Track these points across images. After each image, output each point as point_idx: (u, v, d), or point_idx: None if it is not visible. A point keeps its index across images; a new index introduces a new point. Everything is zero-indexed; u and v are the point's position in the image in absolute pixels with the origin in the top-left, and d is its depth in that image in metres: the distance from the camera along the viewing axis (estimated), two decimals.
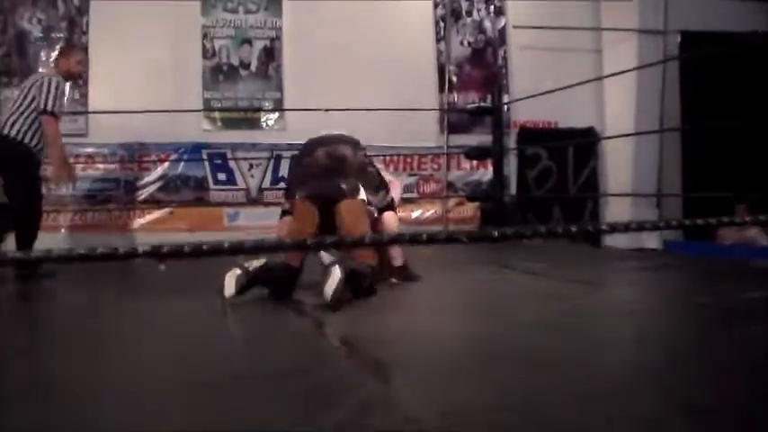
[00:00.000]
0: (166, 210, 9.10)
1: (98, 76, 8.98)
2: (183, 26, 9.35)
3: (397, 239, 1.77)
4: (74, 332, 3.34)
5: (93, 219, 8.90)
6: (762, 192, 7.87)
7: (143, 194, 9.12)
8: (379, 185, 4.88)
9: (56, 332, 3.46)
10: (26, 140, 5.92)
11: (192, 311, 3.87)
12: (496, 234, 2.02)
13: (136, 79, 8.93)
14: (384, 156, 9.55)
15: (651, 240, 9.21)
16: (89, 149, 8.92)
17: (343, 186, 4.49)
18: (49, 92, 5.91)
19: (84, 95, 9.00)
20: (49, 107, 5.89)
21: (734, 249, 8.01)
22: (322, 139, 4.94)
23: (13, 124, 5.91)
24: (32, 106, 5.91)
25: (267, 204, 9.13)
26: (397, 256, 4.89)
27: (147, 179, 9.14)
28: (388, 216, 4.91)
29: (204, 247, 1.70)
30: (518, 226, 8.96)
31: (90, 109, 8.94)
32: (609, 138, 10.12)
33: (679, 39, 10.01)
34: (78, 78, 6.62)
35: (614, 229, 2.44)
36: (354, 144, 4.95)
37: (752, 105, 8.95)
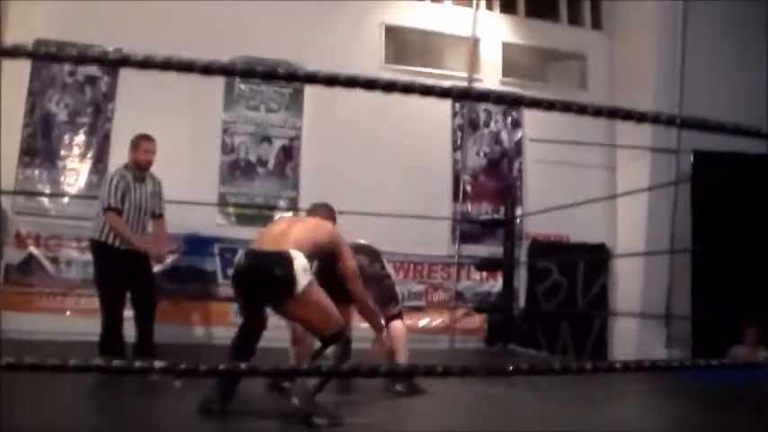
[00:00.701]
0: (172, 302, 9.02)
1: (118, 164, 9.04)
2: (204, 120, 9.48)
3: (414, 371, 1.73)
4: None
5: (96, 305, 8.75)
6: None
7: None
8: (392, 297, 4.98)
9: None
10: (102, 238, 6.50)
11: None
12: (511, 368, 2.00)
13: (154, 168, 8.99)
14: (394, 262, 9.54)
15: (658, 354, 9.15)
16: None
17: None
18: (104, 190, 6.51)
19: None
20: (106, 204, 6.41)
21: (744, 372, 7.87)
22: None
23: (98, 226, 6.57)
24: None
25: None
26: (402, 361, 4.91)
27: (155, 268, 9.08)
28: (396, 326, 4.97)
29: (221, 368, 1.67)
30: (528, 348, 8.91)
31: None
32: (620, 256, 10.12)
33: (692, 158, 10.08)
34: (148, 167, 6.78)
35: (627, 368, 2.40)
36: (373, 255, 5.08)
37: (763, 227, 8.96)
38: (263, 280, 4.24)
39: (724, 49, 10.73)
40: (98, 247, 6.57)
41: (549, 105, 2.03)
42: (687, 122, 2.38)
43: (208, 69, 1.76)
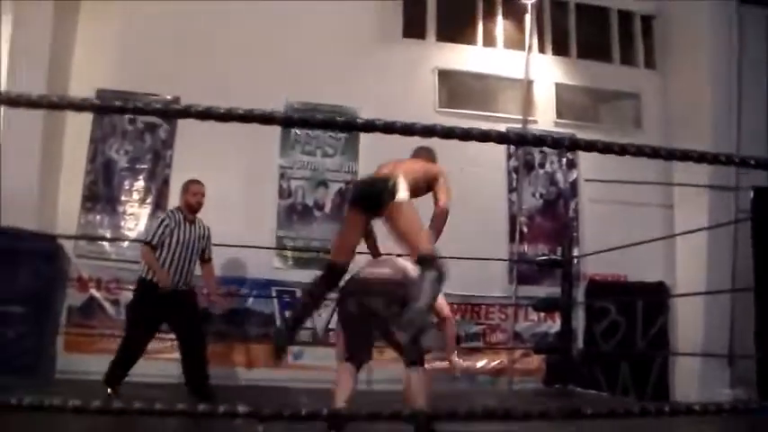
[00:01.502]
0: (231, 344, 9.11)
1: None
2: (261, 165, 9.64)
3: (505, 414, 1.73)
4: None
5: (157, 346, 8.75)
6: None
7: (210, 327, 9.09)
8: None
9: None
10: (146, 276, 6.91)
11: None
12: (590, 412, 2.02)
13: (212, 213, 9.13)
14: (452, 303, 9.55)
15: (722, 395, 8.99)
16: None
17: None
18: (153, 227, 7.01)
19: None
20: (146, 238, 6.93)
21: None
22: None
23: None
24: None
25: (334, 345, 9.13)
26: None
27: (215, 312, 9.19)
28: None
29: (303, 413, 1.72)
30: (587, 389, 8.83)
31: None
32: (680, 295, 10.00)
33: (751, 195, 9.96)
34: (198, 209, 7.09)
35: (706, 410, 2.39)
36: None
37: None
38: (376, 190, 5.16)
39: None
40: (140, 283, 6.97)
41: (606, 148, 2.06)
42: (746, 161, 2.40)
43: (267, 119, 1.83)
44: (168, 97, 9.27)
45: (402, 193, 5.07)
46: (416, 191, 5.40)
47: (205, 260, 7.28)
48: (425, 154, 6.11)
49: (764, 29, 10.78)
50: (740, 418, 6.36)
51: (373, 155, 9.64)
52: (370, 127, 1.90)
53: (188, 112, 1.79)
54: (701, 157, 2.13)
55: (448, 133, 1.86)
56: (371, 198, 5.17)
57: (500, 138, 1.94)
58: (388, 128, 1.86)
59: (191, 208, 7.10)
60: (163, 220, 6.93)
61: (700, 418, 6.43)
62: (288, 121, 1.93)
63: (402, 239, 5.08)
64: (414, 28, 10.62)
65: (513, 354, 9.84)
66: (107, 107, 1.85)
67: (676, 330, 10.38)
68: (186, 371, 6.86)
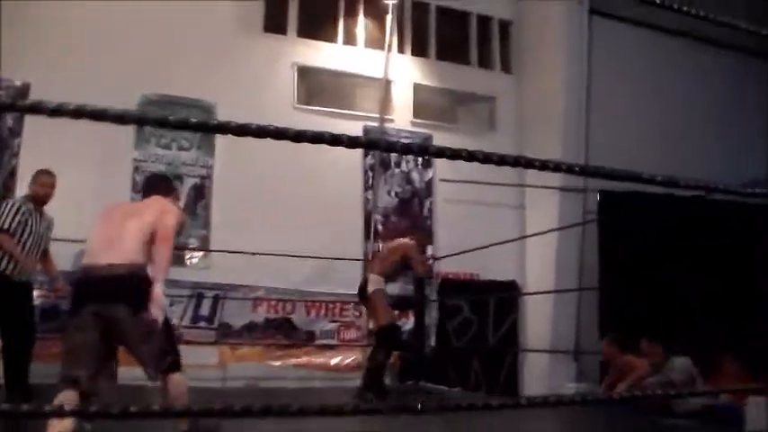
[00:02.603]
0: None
1: None
2: (114, 157, 9.33)
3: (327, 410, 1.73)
4: None
5: None
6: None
7: (59, 324, 8.78)
8: None
9: None
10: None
11: None
12: (420, 407, 2.05)
13: (62, 206, 8.81)
14: (306, 301, 9.57)
15: (567, 388, 9.32)
16: None
17: None
18: (2, 213, 6.38)
19: None
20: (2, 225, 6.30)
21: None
22: None
23: None
24: None
25: (187, 343, 9.00)
26: None
27: (63, 307, 8.84)
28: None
29: (132, 410, 1.68)
30: (439, 385, 8.98)
31: None
32: (529, 294, 10.32)
33: (598, 197, 10.38)
34: (46, 201, 6.72)
35: (532, 403, 2.48)
36: None
37: (666, 264, 9.27)
38: None
39: (628, 92, 11.16)
40: None
41: (454, 155, 2.10)
42: (587, 171, 2.49)
43: (121, 119, 1.78)
44: (17, 83, 8.87)
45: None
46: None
47: (46, 251, 6.92)
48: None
49: (615, 39, 11.24)
50: (584, 411, 6.61)
51: (230, 150, 9.58)
52: (223, 129, 1.87)
53: (40, 109, 1.71)
54: (544, 166, 2.19)
55: (299, 137, 1.85)
56: None
57: (351, 143, 1.94)
58: (241, 130, 1.84)
59: (38, 200, 6.73)
60: (18, 207, 6.44)
61: (544, 411, 6.68)
62: (142, 121, 1.88)
63: None
64: (275, 23, 10.54)
65: (367, 351, 9.90)
66: None
67: (526, 327, 10.72)
68: (10, 367, 6.33)
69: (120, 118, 1.75)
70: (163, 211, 4.42)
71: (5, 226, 6.30)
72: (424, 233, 10.17)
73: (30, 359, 6.40)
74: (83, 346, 4.04)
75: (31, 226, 6.46)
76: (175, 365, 4.30)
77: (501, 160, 2.13)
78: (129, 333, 4.10)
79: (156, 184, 5.15)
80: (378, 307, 7.45)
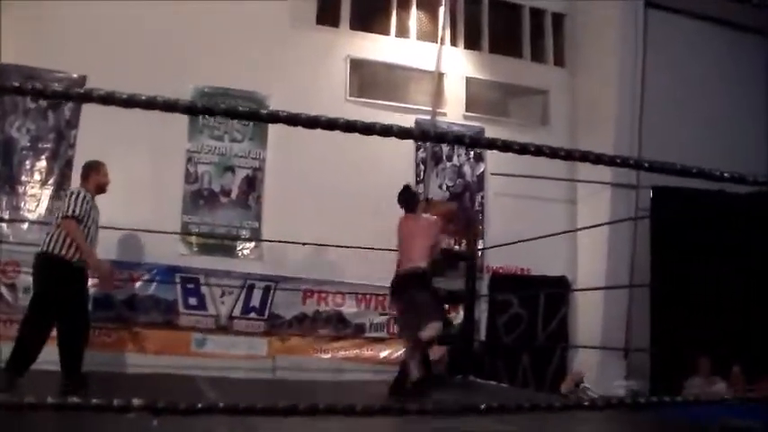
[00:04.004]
0: (133, 330, 8.91)
1: None
2: (168, 148, 9.43)
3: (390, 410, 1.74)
4: None
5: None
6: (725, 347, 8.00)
7: (112, 312, 8.89)
8: None
9: None
10: (57, 251, 6.19)
11: None
12: (483, 407, 2.05)
13: (117, 196, 8.92)
14: (356, 293, 9.59)
15: (617, 389, 9.24)
16: None
17: None
18: (70, 201, 6.24)
19: None
20: (69, 212, 6.16)
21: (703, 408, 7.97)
22: None
23: (49, 239, 6.25)
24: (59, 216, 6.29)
25: (238, 333, 9.09)
26: None
27: (117, 297, 8.98)
28: None
29: (199, 406, 1.69)
30: (488, 380, 8.95)
31: None
32: (580, 290, 10.24)
33: (651, 193, 10.25)
34: (105, 191, 6.72)
35: (594, 405, 2.46)
36: None
37: (718, 261, 9.13)
38: None
39: (682, 87, 10.99)
40: (47, 260, 6.26)
41: (506, 146, 2.08)
42: (642, 164, 2.45)
43: (170, 107, 1.79)
44: (74, 76, 9.00)
45: None
46: None
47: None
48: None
49: (669, 32, 11.08)
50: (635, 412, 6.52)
51: (281, 142, 9.62)
52: (274, 118, 1.88)
53: (89, 97, 1.73)
54: (598, 159, 2.16)
55: (350, 127, 1.85)
56: None
57: (402, 133, 1.94)
58: (291, 120, 1.85)
59: (101, 190, 6.76)
60: (84, 197, 6.32)
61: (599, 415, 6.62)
62: (191, 110, 1.89)
63: None
64: (327, 15, 10.57)
65: None
66: (5, 88, 1.76)
67: (576, 323, 10.63)
68: (66, 353, 6.24)
69: (170, 106, 1.76)
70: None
71: (76, 213, 6.22)
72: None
73: (85, 346, 6.43)
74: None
75: (94, 216, 6.50)
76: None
77: (553, 153, 2.11)
78: None
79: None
80: None
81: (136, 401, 1.69)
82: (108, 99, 1.72)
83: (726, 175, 2.30)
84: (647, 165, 2.41)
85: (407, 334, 6.86)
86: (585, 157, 2.20)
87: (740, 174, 2.32)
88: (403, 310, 7.01)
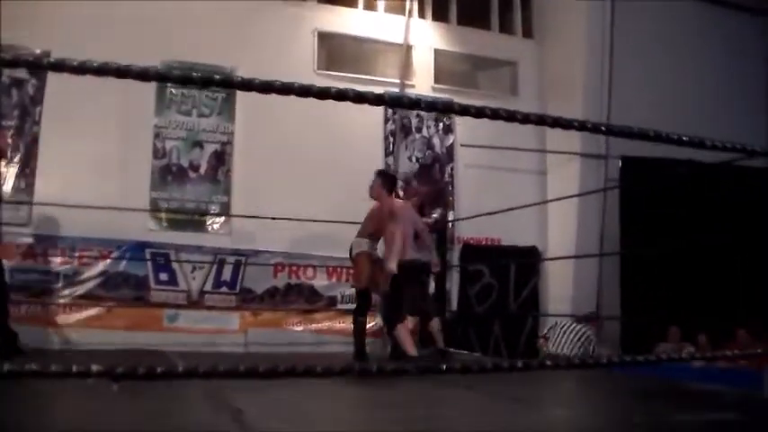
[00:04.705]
0: (104, 307, 8.88)
1: (46, 168, 8.90)
2: (135, 124, 9.35)
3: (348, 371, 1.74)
4: None
5: (27, 311, 8.51)
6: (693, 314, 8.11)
7: (81, 290, 8.91)
8: None
9: None
10: None
11: None
12: (444, 367, 2.06)
13: (84, 173, 8.88)
14: (326, 266, 9.59)
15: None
16: (29, 240, 8.74)
17: None
18: None
19: (31, 185, 8.86)
20: None
21: (669, 370, 8.09)
22: None
23: None
24: None
25: (209, 308, 9.07)
26: None
27: (87, 274, 8.95)
28: None
29: (159, 370, 1.69)
30: (460, 350, 9.00)
31: (35, 199, 8.76)
32: (550, 259, 10.31)
33: (620, 164, 10.32)
34: (6, 155, 6.64)
35: (557, 366, 2.49)
36: None
37: (686, 229, 9.24)
38: None
39: (651, 55, 11.04)
40: None
41: (478, 112, 2.08)
42: (613, 130, 2.47)
43: (144, 75, 1.77)
44: (37, 51, 8.87)
45: None
46: None
47: None
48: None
49: (637, 2, 11.10)
50: (603, 373, 6.61)
51: (249, 116, 9.58)
52: (248, 85, 1.87)
53: (63, 66, 1.71)
54: (569, 124, 2.18)
55: (324, 94, 1.85)
56: None
57: (376, 99, 1.94)
58: (266, 87, 1.84)
59: (2, 154, 6.75)
60: None
61: (569, 375, 6.69)
62: (165, 78, 1.87)
63: None
64: None
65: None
66: None
67: (547, 293, 10.72)
68: None
69: (143, 75, 1.75)
70: None
71: None
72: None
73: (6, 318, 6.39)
74: None
75: None
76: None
77: (525, 118, 2.12)
78: None
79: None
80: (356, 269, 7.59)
81: (95, 367, 1.68)
82: (81, 68, 1.70)
83: (686, 138, 2.32)
84: (615, 130, 2.43)
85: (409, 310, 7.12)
86: (557, 122, 2.21)
87: (706, 139, 2.35)
88: (412, 294, 7.14)
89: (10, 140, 6.68)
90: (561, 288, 10.39)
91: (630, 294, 10.06)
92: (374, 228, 7.45)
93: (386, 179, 7.48)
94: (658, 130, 2.33)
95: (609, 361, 2.83)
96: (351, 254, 7.53)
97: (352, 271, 8.18)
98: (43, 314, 8.64)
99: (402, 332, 6.95)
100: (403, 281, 7.08)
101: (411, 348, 6.88)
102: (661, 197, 9.75)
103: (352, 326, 7.45)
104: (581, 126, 2.25)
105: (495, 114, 2.09)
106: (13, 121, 8.96)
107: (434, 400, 4.96)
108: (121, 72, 1.72)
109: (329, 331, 9.53)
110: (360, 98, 1.89)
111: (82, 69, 1.70)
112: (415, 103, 2.16)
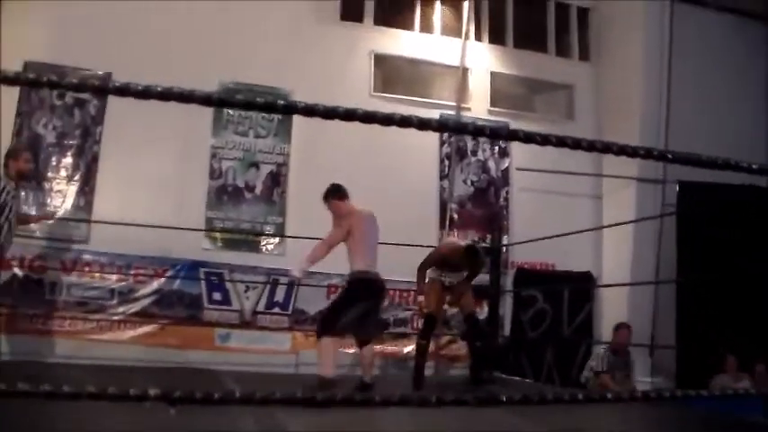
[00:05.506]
0: (157, 325, 8.95)
1: (105, 186, 9.06)
2: (192, 144, 9.48)
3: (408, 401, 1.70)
4: None
5: (83, 327, 8.63)
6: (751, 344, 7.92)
7: (136, 307, 8.99)
8: None
9: None
10: None
11: None
12: (504, 398, 2.03)
13: (141, 192, 9.01)
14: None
15: (643, 386, 9.17)
16: (87, 256, 8.86)
17: None
18: None
19: (90, 203, 9.03)
20: None
21: (727, 404, 7.90)
22: None
23: None
24: None
25: (261, 328, 9.10)
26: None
27: (141, 291, 9.04)
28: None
29: (216, 396, 1.69)
30: (512, 376, 8.91)
31: (94, 217, 8.92)
32: (605, 285, 10.17)
33: (677, 188, 10.16)
34: (27, 178, 6.77)
35: (619, 398, 2.43)
36: None
37: (746, 257, 9.04)
38: None
39: (709, 81, 10.89)
40: None
41: (527, 138, 2.06)
42: (665, 156, 2.42)
43: (207, 101, 1.79)
44: (99, 73, 9.02)
45: None
46: None
47: None
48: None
49: (696, 26, 10.97)
50: (660, 405, 6.47)
51: (306, 137, 9.63)
52: (311, 111, 1.86)
53: (128, 91, 1.73)
54: (634, 152, 2.13)
55: (368, 118, 1.83)
56: None
57: (439, 126, 1.93)
58: (330, 113, 1.84)
59: (23, 176, 6.87)
60: (4, 187, 6.42)
61: (623, 406, 6.57)
62: (228, 104, 1.89)
63: None
64: (351, 11, 10.54)
65: (440, 340, 9.86)
66: (43, 82, 1.75)
67: (601, 320, 10.57)
68: None
69: (206, 100, 1.76)
70: None
71: None
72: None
73: None
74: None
75: (16, 205, 6.56)
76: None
77: (576, 144, 2.09)
78: None
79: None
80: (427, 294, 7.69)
81: (152, 391, 1.68)
82: (144, 93, 1.72)
83: (754, 166, 2.26)
84: (670, 156, 2.38)
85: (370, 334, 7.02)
86: (608, 148, 2.17)
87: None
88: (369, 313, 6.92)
89: (31, 165, 6.81)
90: (616, 315, 10.22)
91: (687, 322, 9.86)
92: (440, 258, 7.65)
93: (331, 190, 7.33)
94: (714, 156, 2.28)
95: (671, 395, 2.76)
96: (418, 279, 7.67)
97: (408, 294, 8.21)
98: (97, 330, 8.75)
99: (324, 348, 6.41)
100: (346, 293, 6.97)
101: (328, 369, 6.34)
102: (719, 223, 9.56)
103: (403, 349, 7.43)
104: (633, 152, 2.21)
105: (545, 140, 2.06)
106: (75, 140, 9.14)
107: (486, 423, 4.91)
108: (184, 97, 1.73)
109: (381, 354, 9.49)
110: (405, 123, 1.88)
111: (145, 94, 1.71)
112: (462, 128, 2.14)
